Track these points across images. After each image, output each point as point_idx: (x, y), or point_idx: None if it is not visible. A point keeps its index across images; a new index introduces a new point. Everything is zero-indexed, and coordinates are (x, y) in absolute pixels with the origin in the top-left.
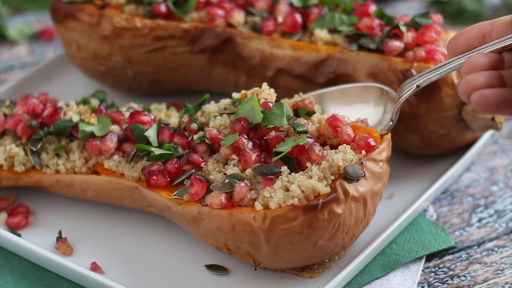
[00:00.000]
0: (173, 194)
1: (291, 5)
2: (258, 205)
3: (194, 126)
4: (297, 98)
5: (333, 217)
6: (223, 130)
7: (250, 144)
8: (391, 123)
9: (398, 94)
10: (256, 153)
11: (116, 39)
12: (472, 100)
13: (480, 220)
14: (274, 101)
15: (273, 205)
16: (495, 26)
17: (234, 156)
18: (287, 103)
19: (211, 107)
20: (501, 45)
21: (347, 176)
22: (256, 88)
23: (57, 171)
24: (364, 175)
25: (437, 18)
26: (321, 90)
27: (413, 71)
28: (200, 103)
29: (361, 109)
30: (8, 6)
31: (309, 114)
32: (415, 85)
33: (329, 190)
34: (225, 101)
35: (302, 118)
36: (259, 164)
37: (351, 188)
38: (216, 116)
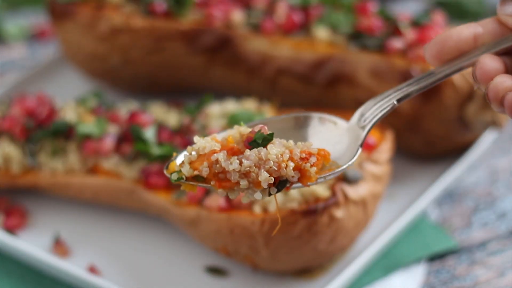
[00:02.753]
0: (172, 195)
1: (291, 5)
2: (257, 209)
3: (196, 127)
4: (243, 129)
5: (332, 221)
6: None
7: None
8: (360, 149)
9: (367, 114)
10: None
11: (114, 39)
12: (508, 102)
13: (481, 221)
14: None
15: (272, 208)
16: (484, 26)
17: None
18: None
19: (214, 109)
20: (499, 47)
21: (346, 179)
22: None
23: (54, 172)
24: (364, 177)
25: (439, 17)
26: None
27: (413, 72)
28: (201, 104)
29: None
30: (4, 0)
31: (268, 139)
32: (393, 101)
33: (329, 193)
34: (228, 104)
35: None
36: None
37: (351, 191)
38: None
